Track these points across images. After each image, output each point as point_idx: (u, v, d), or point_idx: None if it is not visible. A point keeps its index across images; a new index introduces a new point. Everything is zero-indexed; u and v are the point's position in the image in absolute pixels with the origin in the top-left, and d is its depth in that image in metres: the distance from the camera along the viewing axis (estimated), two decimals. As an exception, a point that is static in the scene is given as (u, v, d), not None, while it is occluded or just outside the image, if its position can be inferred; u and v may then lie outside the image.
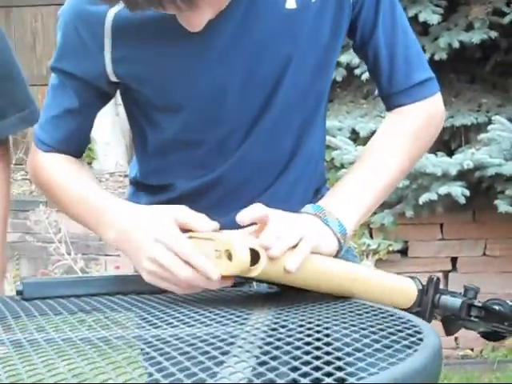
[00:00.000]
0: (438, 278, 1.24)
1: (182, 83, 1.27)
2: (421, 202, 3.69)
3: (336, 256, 1.19)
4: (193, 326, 0.97)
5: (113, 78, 1.29)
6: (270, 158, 1.35)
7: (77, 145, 1.42)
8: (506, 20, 3.88)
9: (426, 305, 1.22)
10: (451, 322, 1.25)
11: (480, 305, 1.23)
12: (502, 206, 3.73)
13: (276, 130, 1.33)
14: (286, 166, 1.36)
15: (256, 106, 1.30)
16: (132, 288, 1.20)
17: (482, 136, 3.74)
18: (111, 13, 1.23)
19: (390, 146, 1.35)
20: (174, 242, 1.11)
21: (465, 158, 3.64)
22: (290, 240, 1.08)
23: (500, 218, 3.89)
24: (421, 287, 1.23)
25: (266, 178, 1.36)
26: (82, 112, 1.37)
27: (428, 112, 1.40)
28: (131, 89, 1.31)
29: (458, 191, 3.63)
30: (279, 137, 1.34)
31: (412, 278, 1.25)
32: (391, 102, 1.40)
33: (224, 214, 1.17)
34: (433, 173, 3.61)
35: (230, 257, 1.05)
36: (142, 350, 0.91)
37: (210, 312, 1.05)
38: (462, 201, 3.65)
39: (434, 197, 3.64)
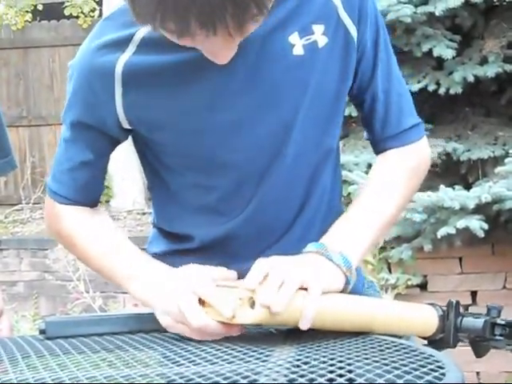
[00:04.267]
0: (458, 302, 1.24)
1: (193, 128, 1.28)
2: (439, 236, 3.68)
3: (345, 289, 1.19)
4: (215, 363, 0.98)
5: (126, 126, 1.31)
6: (284, 203, 1.35)
7: (94, 194, 1.42)
8: (520, 53, 3.90)
9: (448, 330, 1.22)
10: (479, 344, 1.25)
11: (503, 322, 1.22)
12: (521, 238, 3.72)
13: (288, 178, 1.34)
14: (300, 209, 1.37)
15: (267, 153, 1.31)
16: (154, 326, 1.21)
17: (499, 169, 3.74)
18: (121, 61, 1.24)
19: (387, 186, 1.38)
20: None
21: (482, 192, 3.63)
22: (290, 290, 1.09)
23: (519, 251, 3.88)
24: (441, 313, 1.23)
25: (281, 224, 1.37)
26: (96, 163, 1.37)
27: (417, 155, 1.44)
28: (142, 135, 1.32)
29: (477, 225, 3.62)
30: (292, 184, 1.35)
31: (432, 304, 1.24)
32: (382, 145, 1.43)
33: (243, 262, 1.18)
34: (450, 207, 3.61)
35: (252, 305, 1.07)
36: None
37: (232, 349, 1.05)
38: (481, 234, 3.64)
39: (453, 231, 3.62)
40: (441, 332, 1.22)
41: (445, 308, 1.23)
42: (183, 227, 1.41)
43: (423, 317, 1.22)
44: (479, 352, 1.26)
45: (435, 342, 1.22)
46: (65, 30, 8.34)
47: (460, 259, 4.12)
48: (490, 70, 3.87)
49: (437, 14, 3.88)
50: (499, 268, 4.15)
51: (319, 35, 1.27)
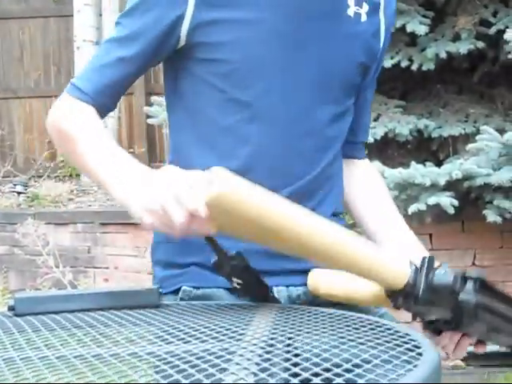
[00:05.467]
0: (433, 257, 1.22)
1: (260, 38, 1.36)
2: (410, 213, 3.69)
3: None
4: (188, 342, 0.97)
5: (185, 27, 1.35)
6: (309, 144, 1.42)
7: (112, 99, 1.42)
8: (492, 30, 3.90)
9: (419, 284, 1.18)
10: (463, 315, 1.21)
11: (475, 276, 1.20)
12: (491, 215, 3.73)
13: (317, 117, 1.42)
14: (320, 156, 1.44)
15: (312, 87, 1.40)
16: (125, 303, 1.20)
17: (470, 146, 3.75)
18: None
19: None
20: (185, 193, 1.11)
21: (453, 168, 3.64)
22: None
23: (489, 228, 3.90)
24: (414, 266, 1.20)
25: (300, 163, 1.41)
26: (134, 62, 1.39)
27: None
28: (196, 42, 1.36)
29: (447, 201, 3.63)
30: (319, 126, 1.42)
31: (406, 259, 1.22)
32: (354, 149, 1.60)
33: None
34: (421, 183, 3.61)
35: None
36: (137, 367, 0.90)
37: (206, 327, 1.04)
38: (451, 211, 3.65)
39: (423, 207, 3.63)
40: (412, 286, 1.19)
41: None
42: (200, 157, 1.39)
43: (396, 264, 1.19)
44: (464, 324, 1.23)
45: (404, 297, 1.19)
46: (35, 1, 8.22)
47: (430, 236, 4.14)
48: (463, 47, 3.88)
49: (410, -11, 3.87)
50: (469, 245, 4.18)
51: (364, 12, 1.46)
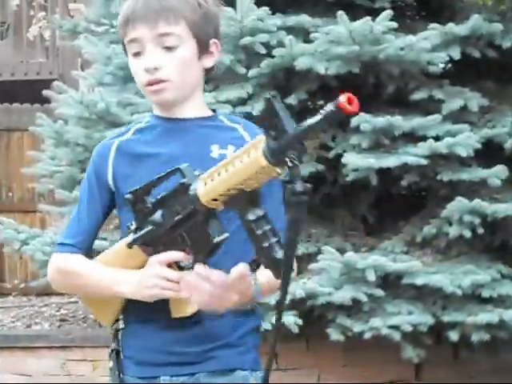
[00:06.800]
0: None
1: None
2: (255, 332, 3.68)
3: None
4: None
5: (111, 183, 1.85)
6: None
7: (88, 240, 1.88)
8: (331, 154, 4.05)
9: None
10: None
11: None
12: (334, 334, 3.78)
13: None
14: None
15: None
16: None
17: (312, 265, 3.82)
18: (117, 141, 1.87)
19: None
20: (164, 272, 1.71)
21: (297, 288, 3.69)
22: None
23: (332, 347, 3.94)
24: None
25: None
26: (96, 209, 1.87)
27: None
28: (120, 188, 1.84)
29: (291, 320, 3.66)
30: None
31: None
32: None
33: None
34: (266, 302, 3.62)
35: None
36: None
37: None
38: (295, 330, 3.68)
39: (268, 326, 3.63)
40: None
41: None
42: None
43: None
44: None
45: None
46: None
47: (276, 355, 4.11)
48: (305, 169, 3.98)
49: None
50: (313, 364, 4.21)
51: (231, 152, 1.77)
